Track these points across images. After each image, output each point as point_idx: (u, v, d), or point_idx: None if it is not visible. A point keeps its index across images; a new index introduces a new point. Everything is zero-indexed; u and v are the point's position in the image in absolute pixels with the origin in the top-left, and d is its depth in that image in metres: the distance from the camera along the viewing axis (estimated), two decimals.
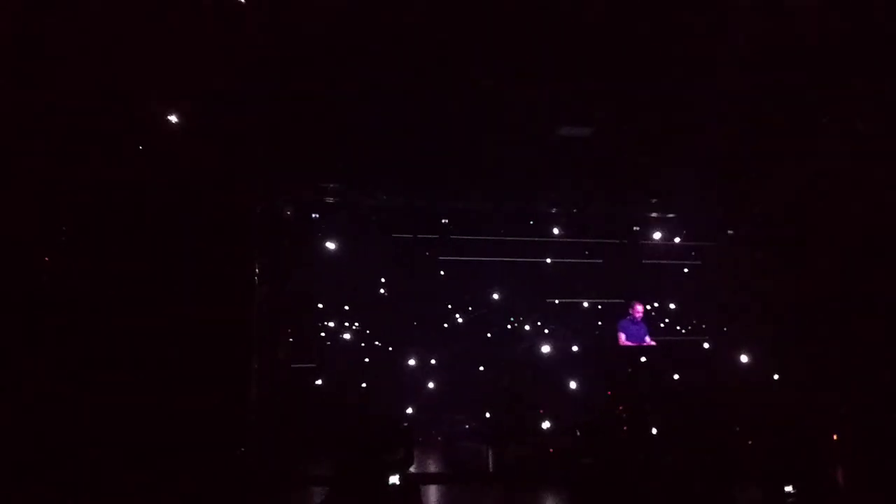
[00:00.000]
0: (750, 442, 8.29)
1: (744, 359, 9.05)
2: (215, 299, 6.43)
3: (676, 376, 8.56)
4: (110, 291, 5.98)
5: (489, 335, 12.41)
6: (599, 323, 11.65)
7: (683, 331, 12.19)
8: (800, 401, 8.19)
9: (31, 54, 5.46)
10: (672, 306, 12.14)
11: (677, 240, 11.32)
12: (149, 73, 5.99)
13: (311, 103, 7.41)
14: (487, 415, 9.64)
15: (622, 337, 9.20)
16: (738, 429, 8.35)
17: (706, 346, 11.05)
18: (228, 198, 6.86)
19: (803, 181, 8.66)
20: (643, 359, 8.90)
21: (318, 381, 9.51)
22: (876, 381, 8.06)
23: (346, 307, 11.62)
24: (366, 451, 2.87)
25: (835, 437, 8.80)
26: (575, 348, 10.50)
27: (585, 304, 11.52)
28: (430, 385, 10.67)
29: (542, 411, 8.39)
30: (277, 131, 7.35)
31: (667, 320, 11.90)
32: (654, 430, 7.89)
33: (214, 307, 6.36)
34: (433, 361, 10.71)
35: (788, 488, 6.54)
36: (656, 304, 11.16)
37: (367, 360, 10.91)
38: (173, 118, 6.28)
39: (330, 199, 10.10)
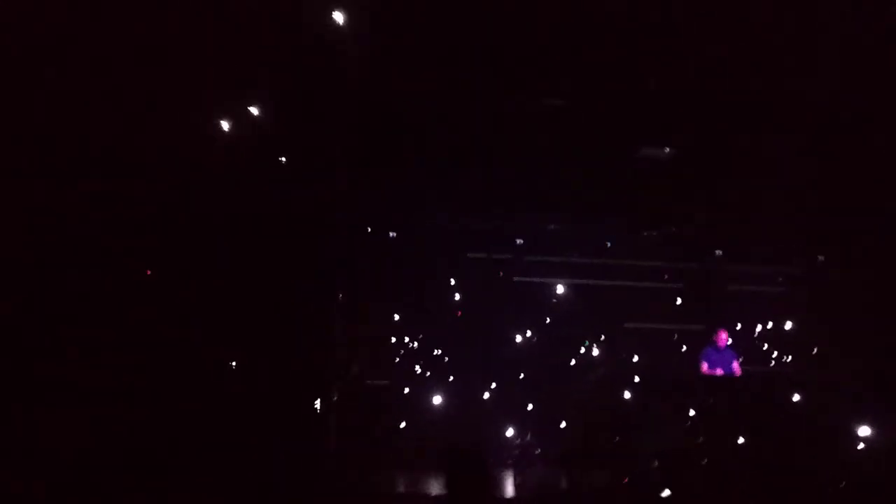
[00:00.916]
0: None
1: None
2: (298, 310, 6.61)
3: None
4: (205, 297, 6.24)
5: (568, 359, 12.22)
6: (684, 349, 11.23)
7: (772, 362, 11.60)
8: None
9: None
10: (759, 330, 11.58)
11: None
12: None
13: (391, 124, 7.62)
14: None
15: (704, 366, 8.86)
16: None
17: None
18: (318, 211, 7.07)
19: None
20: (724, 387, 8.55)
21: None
22: None
23: (419, 325, 11.68)
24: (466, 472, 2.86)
25: None
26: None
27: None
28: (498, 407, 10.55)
29: (616, 438, 8.15)
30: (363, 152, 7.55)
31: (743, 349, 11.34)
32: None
33: (296, 319, 6.53)
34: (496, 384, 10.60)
35: None
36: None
37: (437, 378, 10.91)
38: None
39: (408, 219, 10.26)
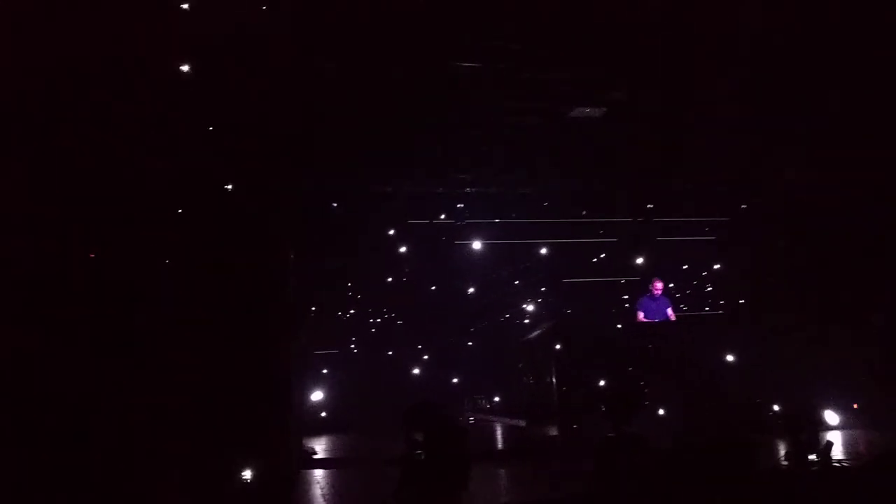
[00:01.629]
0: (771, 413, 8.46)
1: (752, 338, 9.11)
2: (248, 285, 6.55)
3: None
4: (138, 279, 6.11)
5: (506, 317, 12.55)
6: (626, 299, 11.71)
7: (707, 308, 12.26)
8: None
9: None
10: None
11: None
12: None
13: (324, 98, 7.56)
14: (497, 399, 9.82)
15: (640, 315, 9.31)
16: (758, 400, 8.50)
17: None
18: (262, 185, 6.97)
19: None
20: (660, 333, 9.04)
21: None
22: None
23: (365, 294, 11.76)
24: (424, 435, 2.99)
25: (855, 406, 8.95)
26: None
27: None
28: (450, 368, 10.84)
29: (564, 389, 8.51)
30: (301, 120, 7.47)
31: (678, 297, 11.95)
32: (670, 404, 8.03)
33: (246, 291, 6.49)
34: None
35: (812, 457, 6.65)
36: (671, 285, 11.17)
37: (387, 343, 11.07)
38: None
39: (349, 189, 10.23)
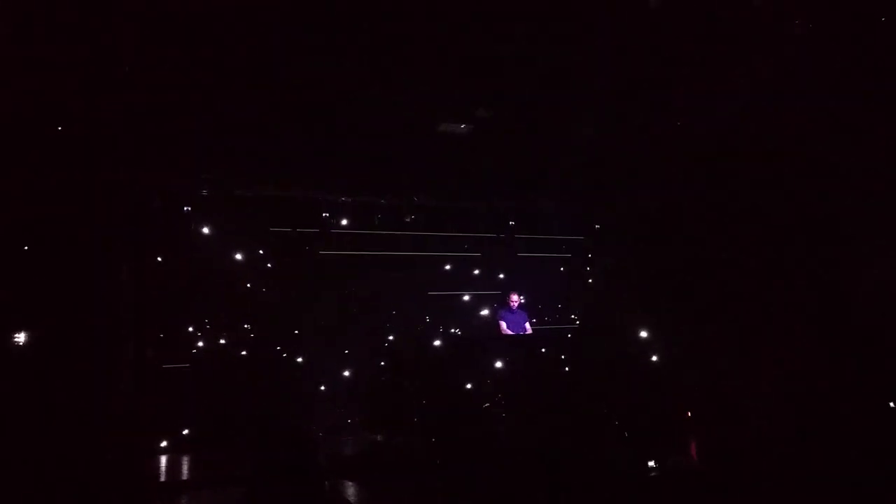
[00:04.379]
0: (617, 422, 8.89)
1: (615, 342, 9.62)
2: (80, 300, 6.01)
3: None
4: None
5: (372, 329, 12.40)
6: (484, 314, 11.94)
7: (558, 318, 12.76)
8: (661, 380, 8.84)
9: None
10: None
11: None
12: None
13: (184, 87, 7.11)
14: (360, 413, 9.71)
15: (503, 325, 9.52)
16: (605, 410, 8.90)
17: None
18: (91, 186, 6.41)
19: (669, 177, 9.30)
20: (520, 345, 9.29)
21: None
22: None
23: (222, 304, 11.18)
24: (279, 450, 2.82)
25: (689, 413, 9.61)
26: (437, 342, 10.76)
27: (466, 298, 11.76)
28: (315, 381, 10.54)
29: (424, 402, 8.51)
30: (146, 115, 6.97)
31: (539, 307, 12.39)
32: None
33: (80, 307, 5.95)
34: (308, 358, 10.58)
35: (651, 463, 7.05)
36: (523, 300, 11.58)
37: (245, 357, 10.55)
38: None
39: (204, 192, 9.74)
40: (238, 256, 10.25)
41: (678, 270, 9.84)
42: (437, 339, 10.94)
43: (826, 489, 5.59)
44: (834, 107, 7.10)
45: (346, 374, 10.62)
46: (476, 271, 11.80)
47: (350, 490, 6.65)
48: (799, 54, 6.95)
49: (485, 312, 11.49)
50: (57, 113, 6.08)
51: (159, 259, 9.02)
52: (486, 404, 8.52)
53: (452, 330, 11.40)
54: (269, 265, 10.60)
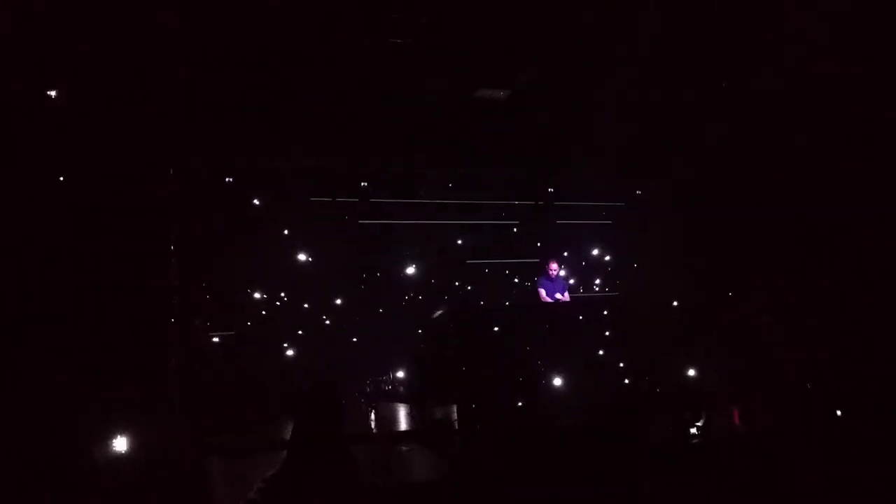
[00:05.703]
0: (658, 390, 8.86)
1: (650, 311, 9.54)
2: (130, 269, 6.19)
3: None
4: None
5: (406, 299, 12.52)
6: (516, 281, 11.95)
7: (597, 288, 12.70)
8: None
9: None
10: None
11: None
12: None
13: (222, 62, 7.17)
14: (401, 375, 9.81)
15: (542, 293, 9.49)
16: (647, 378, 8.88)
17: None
18: (140, 159, 6.55)
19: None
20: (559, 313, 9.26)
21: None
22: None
23: (265, 273, 11.39)
24: (314, 415, 2.87)
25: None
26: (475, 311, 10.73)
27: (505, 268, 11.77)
28: (351, 346, 10.72)
29: (464, 368, 8.56)
30: (189, 90, 7.07)
31: (572, 281, 12.34)
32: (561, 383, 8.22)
33: (129, 276, 6.12)
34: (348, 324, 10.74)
35: (693, 430, 7.06)
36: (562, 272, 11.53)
37: (287, 324, 10.77)
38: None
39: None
40: (278, 226, 10.40)
41: (718, 236, 9.71)
42: (476, 307, 10.98)
43: (870, 455, 5.52)
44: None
45: (386, 341, 10.76)
46: (515, 240, 11.77)
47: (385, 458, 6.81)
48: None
49: (523, 281, 11.49)
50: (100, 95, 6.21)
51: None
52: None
53: (491, 299, 11.43)
54: (308, 234, 10.73)
